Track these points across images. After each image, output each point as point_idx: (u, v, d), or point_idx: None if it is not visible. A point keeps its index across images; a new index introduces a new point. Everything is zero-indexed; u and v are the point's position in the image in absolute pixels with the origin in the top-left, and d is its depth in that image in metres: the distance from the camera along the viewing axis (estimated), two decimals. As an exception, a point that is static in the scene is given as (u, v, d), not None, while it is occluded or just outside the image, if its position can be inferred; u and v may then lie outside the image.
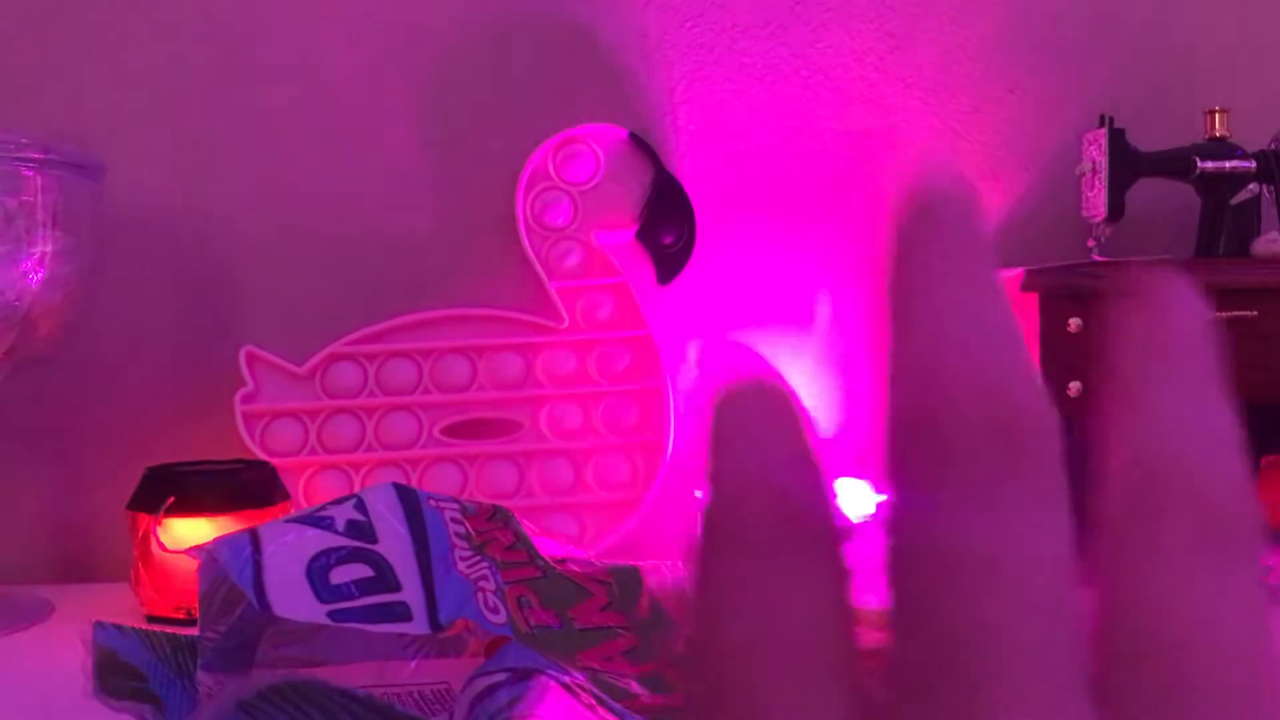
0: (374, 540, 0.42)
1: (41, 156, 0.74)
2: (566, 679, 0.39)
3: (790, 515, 0.14)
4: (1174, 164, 0.90)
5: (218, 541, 0.41)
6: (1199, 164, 0.89)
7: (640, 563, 0.50)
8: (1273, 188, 0.89)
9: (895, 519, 0.14)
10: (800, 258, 0.96)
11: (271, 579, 0.39)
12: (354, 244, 0.94)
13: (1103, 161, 0.88)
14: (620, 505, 0.91)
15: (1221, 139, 0.90)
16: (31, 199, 0.74)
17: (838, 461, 0.97)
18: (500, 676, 0.38)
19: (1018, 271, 0.83)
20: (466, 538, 0.45)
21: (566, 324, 0.91)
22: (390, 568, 0.41)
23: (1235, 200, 0.90)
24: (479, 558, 0.44)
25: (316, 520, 0.43)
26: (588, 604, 0.45)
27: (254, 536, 0.41)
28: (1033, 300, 0.82)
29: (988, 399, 0.14)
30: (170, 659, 0.43)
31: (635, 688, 0.41)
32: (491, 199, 0.93)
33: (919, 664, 0.14)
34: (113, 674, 0.42)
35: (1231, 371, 0.15)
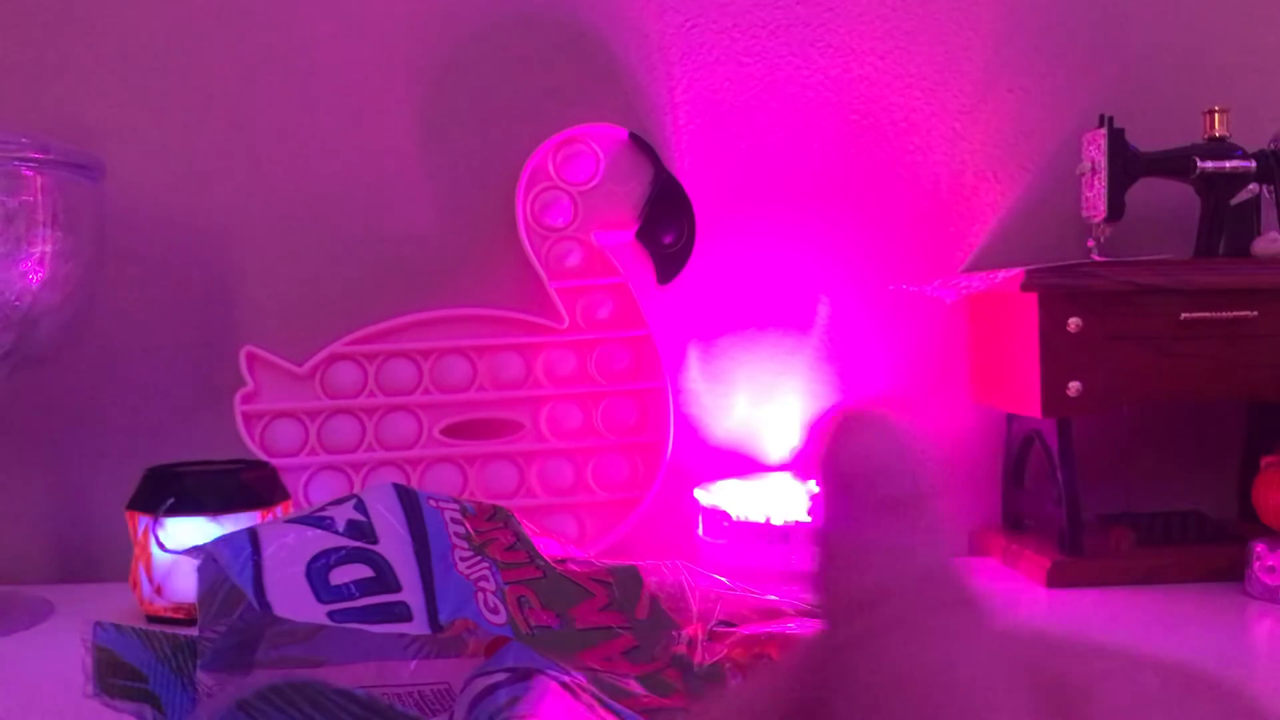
0: (374, 540, 0.42)
1: (41, 156, 0.75)
2: (566, 679, 0.39)
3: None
4: (1174, 164, 0.90)
5: (218, 541, 0.41)
6: (1199, 164, 0.89)
7: (640, 563, 0.50)
8: (1273, 188, 0.89)
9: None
10: (800, 257, 0.96)
11: (271, 579, 0.39)
12: (354, 244, 0.94)
13: (1103, 161, 0.88)
14: (620, 505, 0.91)
15: (1221, 139, 0.90)
16: (31, 199, 0.74)
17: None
18: (500, 676, 0.38)
19: (1018, 271, 0.83)
20: (466, 538, 0.45)
21: (566, 324, 0.91)
22: (390, 568, 0.41)
23: (1235, 200, 0.90)
24: (479, 558, 0.44)
25: (316, 520, 0.43)
26: (588, 604, 0.45)
27: (254, 536, 0.41)
28: (1032, 300, 0.82)
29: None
30: (170, 659, 0.43)
31: (635, 688, 0.41)
32: (491, 199, 0.94)
33: None
34: (112, 674, 0.42)
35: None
